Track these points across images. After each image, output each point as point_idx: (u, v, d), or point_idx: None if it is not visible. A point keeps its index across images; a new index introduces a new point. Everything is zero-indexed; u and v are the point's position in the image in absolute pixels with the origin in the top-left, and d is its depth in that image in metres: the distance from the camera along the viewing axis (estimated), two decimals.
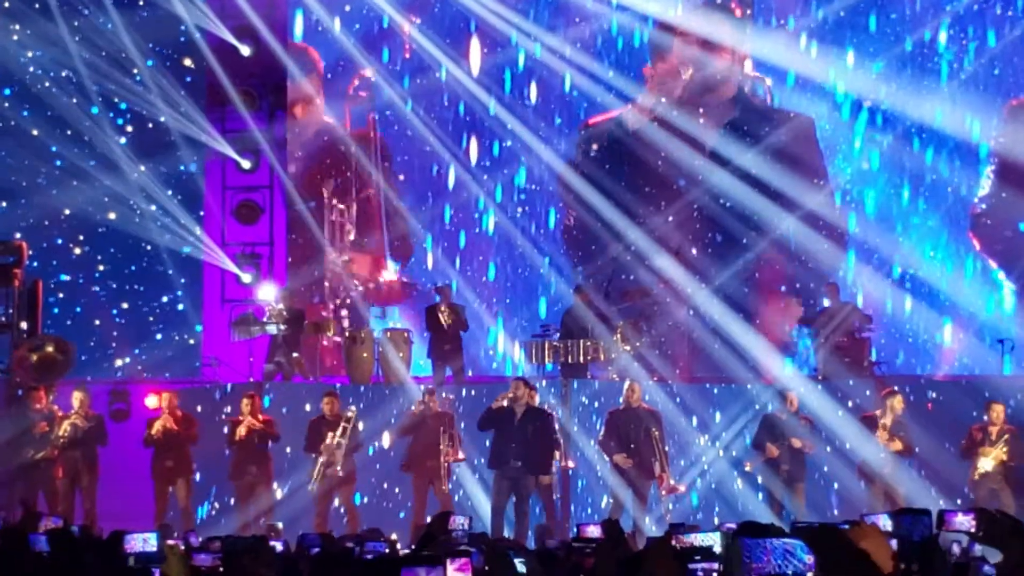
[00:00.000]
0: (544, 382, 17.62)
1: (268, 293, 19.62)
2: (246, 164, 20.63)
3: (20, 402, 17.11)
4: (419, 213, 22.37)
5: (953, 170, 21.18)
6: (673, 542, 7.37)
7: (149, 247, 21.06)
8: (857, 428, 16.32)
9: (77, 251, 21.36)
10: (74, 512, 16.32)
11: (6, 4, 21.05)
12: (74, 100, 21.03)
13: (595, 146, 22.12)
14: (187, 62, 21.14)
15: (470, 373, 19.19)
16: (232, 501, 17.12)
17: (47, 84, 21.09)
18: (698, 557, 7.13)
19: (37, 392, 16.83)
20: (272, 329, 18.81)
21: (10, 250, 18.20)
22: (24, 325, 17.93)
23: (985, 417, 15.97)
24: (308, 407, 17.50)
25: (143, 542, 8.21)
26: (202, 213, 20.93)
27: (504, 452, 15.74)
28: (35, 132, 21.02)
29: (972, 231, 21.27)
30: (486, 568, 7.56)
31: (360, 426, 16.87)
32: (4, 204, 21.16)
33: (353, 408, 16.81)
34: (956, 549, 10.28)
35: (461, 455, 16.63)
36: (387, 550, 9.96)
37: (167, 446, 16.77)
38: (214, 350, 20.08)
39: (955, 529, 7.47)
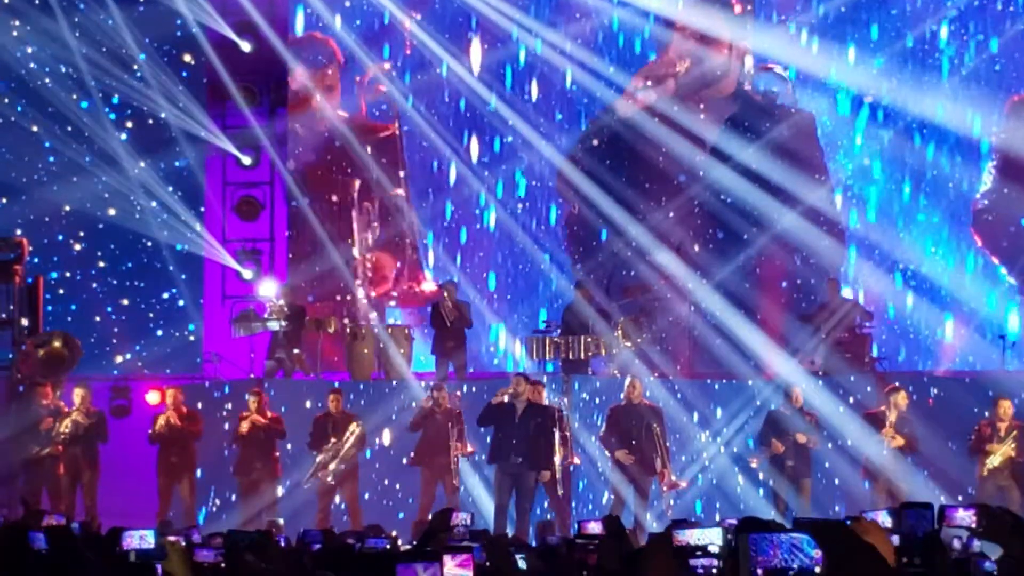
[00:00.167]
0: (545, 378, 17.60)
1: (269, 289, 19.61)
2: (247, 160, 20.62)
3: (23, 398, 17.09)
4: (420, 209, 22.35)
5: (954, 166, 21.13)
6: (675, 538, 7.35)
7: (149, 243, 21.03)
8: (859, 424, 16.29)
9: (77, 247, 21.32)
10: (75, 509, 16.31)
11: (5, 0, 21.01)
12: (74, 96, 20.99)
13: (595, 141, 22.09)
14: (187, 58, 21.12)
15: (471, 370, 19.18)
16: (234, 497, 17.10)
17: (47, 80, 21.04)
18: (699, 553, 7.11)
19: (43, 388, 16.82)
20: (273, 325, 18.80)
21: (10, 246, 18.19)
22: (25, 321, 17.90)
23: (989, 413, 15.92)
24: (308, 403, 17.50)
25: (140, 539, 8.17)
26: (202, 209, 20.93)
27: (504, 448, 15.73)
28: (35, 128, 20.98)
29: (973, 227, 21.23)
30: (487, 564, 7.53)
31: (355, 442, 16.80)
32: (4, 200, 21.12)
33: (362, 425, 16.75)
34: (957, 544, 10.25)
35: (470, 448, 16.62)
36: (388, 546, 9.94)
37: (171, 442, 16.77)
38: (215, 346, 20.06)
39: (956, 525, 7.45)
